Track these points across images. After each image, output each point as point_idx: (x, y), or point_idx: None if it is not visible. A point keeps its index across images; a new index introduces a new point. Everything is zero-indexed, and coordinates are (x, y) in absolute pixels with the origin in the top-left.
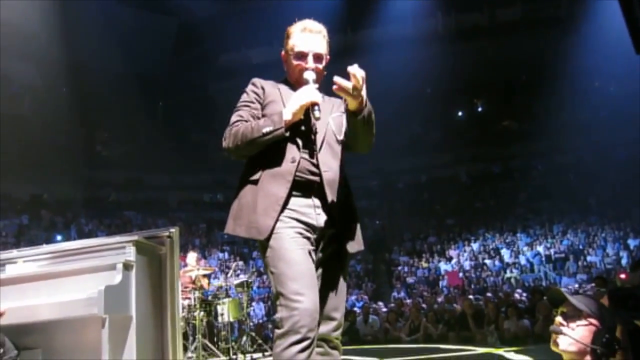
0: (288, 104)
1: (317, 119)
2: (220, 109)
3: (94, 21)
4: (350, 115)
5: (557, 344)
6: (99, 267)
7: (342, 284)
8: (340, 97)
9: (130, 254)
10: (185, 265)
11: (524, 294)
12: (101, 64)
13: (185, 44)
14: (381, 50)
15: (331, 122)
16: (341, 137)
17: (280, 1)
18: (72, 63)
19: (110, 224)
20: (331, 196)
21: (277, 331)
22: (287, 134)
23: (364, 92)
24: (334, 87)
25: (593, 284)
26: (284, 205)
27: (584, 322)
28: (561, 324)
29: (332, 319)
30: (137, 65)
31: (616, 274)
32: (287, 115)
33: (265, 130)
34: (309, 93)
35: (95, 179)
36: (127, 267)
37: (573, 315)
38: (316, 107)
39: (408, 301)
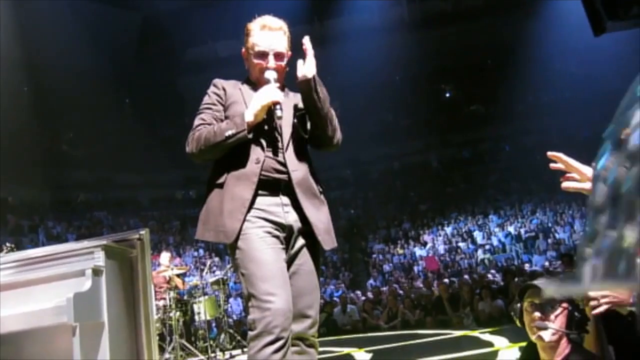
0: (249, 105)
1: (279, 118)
2: (189, 104)
3: (55, 16)
4: (305, 89)
5: (541, 338)
6: (67, 274)
7: (315, 281)
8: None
9: (100, 258)
10: (159, 265)
11: (497, 275)
12: (64, 60)
13: (150, 38)
14: (349, 39)
15: (296, 119)
16: (307, 134)
17: None
18: (33, 60)
19: (80, 226)
20: (301, 195)
21: (251, 333)
22: (250, 136)
23: (313, 62)
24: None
25: (560, 261)
26: (250, 206)
27: (559, 310)
28: (541, 319)
29: (306, 316)
30: (102, 61)
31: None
32: (249, 117)
33: (228, 133)
34: (270, 93)
35: (62, 180)
36: (96, 272)
37: (549, 306)
38: (277, 107)
39: (385, 289)
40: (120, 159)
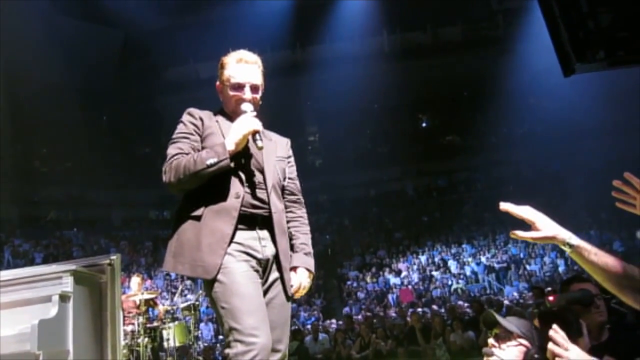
0: (229, 134)
1: (260, 148)
2: (167, 123)
3: (34, 32)
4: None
5: None
6: (33, 299)
7: (286, 315)
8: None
9: (68, 284)
10: (129, 288)
11: (469, 305)
12: (42, 75)
13: (131, 56)
14: (330, 66)
15: (277, 165)
16: (285, 182)
17: (229, 15)
18: (9, 74)
19: (49, 244)
20: (278, 234)
21: None
22: (232, 165)
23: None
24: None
25: (531, 293)
26: (230, 241)
27: (514, 342)
28: (493, 345)
29: (276, 350)
30: (81, 78)
31: (545, 296)
32: (230, 146)
33: (210, 162)
34: (250, 122)
35: (32, 196)
36: (63, 298)
37: (504, 336)
38: (257, 136)
39: (358, 317)
40: (94, 176)
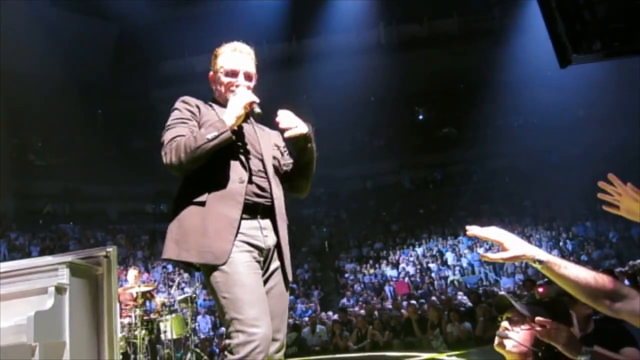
0: (227, 109)
1: (259, 114)
2: (162, 117)
3: (29, 24)
4: (301, 145)
5: (502, 345)
6: (29, 291)
7: (285, 305)
8: (277, 129)
9: (64, 276)
10: (126, 281)
11: (465, 297)
12: (35, 69)
13: (126, 50)
14: (326, 58)
15: (273, 153)
16: (281, 170)
17: (224, 8)
18: (3, 67)
19: (45, 238)
20: (280, 222)
21: (232, 357)
22: (234, 138)
23: (299, 125)
24: (286, 134)
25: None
26: (238, 226)
27: (527, 326)
28: (506, 328)
29: (275, 340)
30: (75, 72)
31: (534, 288)
32: (230, 120)
33: (210, 135)
34: (247, 94)
35: (28, 190)
36: (59, 290)
37: (518, 320)
38: (255, 106)
39: (355, 309)
40: (90, 170)
